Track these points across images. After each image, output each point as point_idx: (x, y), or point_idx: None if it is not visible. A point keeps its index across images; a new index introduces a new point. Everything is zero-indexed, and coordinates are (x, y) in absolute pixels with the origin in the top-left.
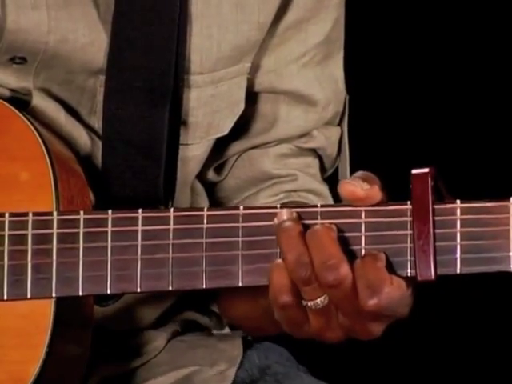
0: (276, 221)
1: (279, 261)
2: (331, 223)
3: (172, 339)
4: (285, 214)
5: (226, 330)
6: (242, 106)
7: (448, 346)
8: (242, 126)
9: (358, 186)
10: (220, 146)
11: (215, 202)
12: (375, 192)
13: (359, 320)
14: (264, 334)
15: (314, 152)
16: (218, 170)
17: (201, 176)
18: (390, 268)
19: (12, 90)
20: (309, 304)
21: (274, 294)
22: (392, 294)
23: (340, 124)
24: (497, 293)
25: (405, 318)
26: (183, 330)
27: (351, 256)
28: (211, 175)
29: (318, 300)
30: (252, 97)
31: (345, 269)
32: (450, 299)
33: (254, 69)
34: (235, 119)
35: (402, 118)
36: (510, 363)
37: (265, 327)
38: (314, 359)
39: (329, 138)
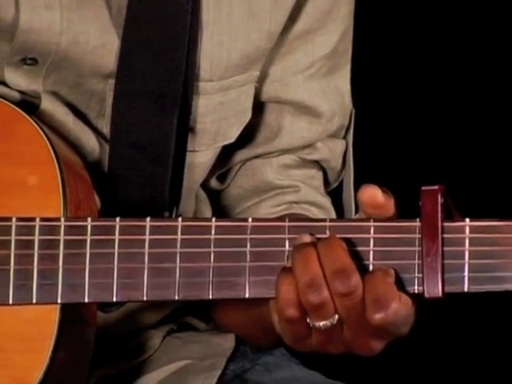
0: (298, 240)
1: (288, 273)
2: (343, 238)
3: (167, 336)
4: (304, 238)
5: None
6: (249, 115)
7: (445, 353)
8: (246, 135)
9: (380, 192)
10: (223, 155)
11: (218, 211)
12: (391, 204)
13: (362, 335)
14: (259, 345)
15: (317, 164)
16: (221, 178)
17: (204, 184)
18: (398, 284)
19: (21, 93)
20: (316, 325)
21: (281, 307)
22: (399, 310)
23: (345, 137)
24: (501, 310)
25: (404, 336)
26: (179, 329)
27: (359, 271)
28: (214, 183)
29: (327, 321)
30: (257, 106)
31: (356, 278)
32: (452, 314)
33: (261, 77)
34: (242, 127)
35: (410, 133)
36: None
37: (258, 338)
38: (309, 356)
39: (333, 151)
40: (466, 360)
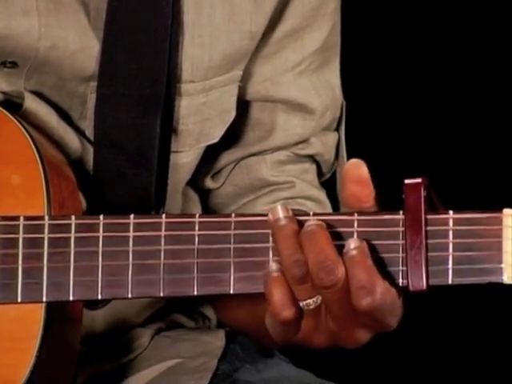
0: (271, 217)
1: (276, 274)
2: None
3: (156, 335)
4: (280, 211)
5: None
6: (233, 114)
7: (435, 351)
8: (239, 134)
9: (365, 167)
10: (217, 154)
11: (212, 209)
12: (372, 192)
13: (348, 325)
14: (268, 345)
15: (311, 158)
16: (215, 177)
17: (198, 183)
18: (383, 278)
19: (4, 93)
20: (301, 304)
21: (276, 310)
22: (385, 293)
23: (337, 129)
24: (488, 303)
25: (392, 329)
26: (168, 327)
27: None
28: (209, 182)
29: (311, 300)
30: (249, 105)
31: (340, 270)
32: (439, 308)
33: (251, 77)
34: (226, 127)
35: (399, 122)
36: (499, 373)
37: (264, 339)
38: (299, 354)
39: (326, 144)
40: (458, 358)
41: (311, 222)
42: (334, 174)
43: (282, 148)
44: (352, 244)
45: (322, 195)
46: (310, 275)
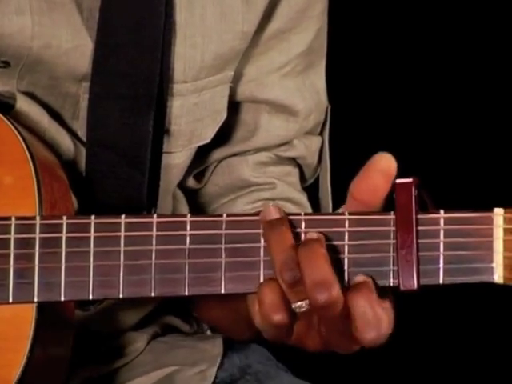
0: (263, 218)
1: (270, 279)
2: (319, 232)
3: (152, 340)
4: (272, 212)
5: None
6: (224, 115)
7: (429, 352)
8: (222, 134)
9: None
10: (200, 154)
11: (197, 208)
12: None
13: (338, 337)
14: (240, 338)
15: (293, 161)
16: (198, 177)
17: (181, 183)
18: (374, 277)
19: None
20: (293, 306)
21: (267, 313)
22: (390, 323)
23: (321, 133)
24: (478, 302)
25: None
26: (163, 332)
27: (335, 265)
28: (191, 182)
29: (303, 302)
30: (233, 105)
31: (336, 291)
32: (431, 308)
33: (236, 78)
34: (217, 127)
35: (385, 127)
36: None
37: (239, 331)
38: (294, 359)
39: (309, 147)
40: (450, 360)
41: (310, 235)
42: (316, 180)
43: (264, 149)
44: (357, 279)
45: (303, 198)
46: (306, 294)
